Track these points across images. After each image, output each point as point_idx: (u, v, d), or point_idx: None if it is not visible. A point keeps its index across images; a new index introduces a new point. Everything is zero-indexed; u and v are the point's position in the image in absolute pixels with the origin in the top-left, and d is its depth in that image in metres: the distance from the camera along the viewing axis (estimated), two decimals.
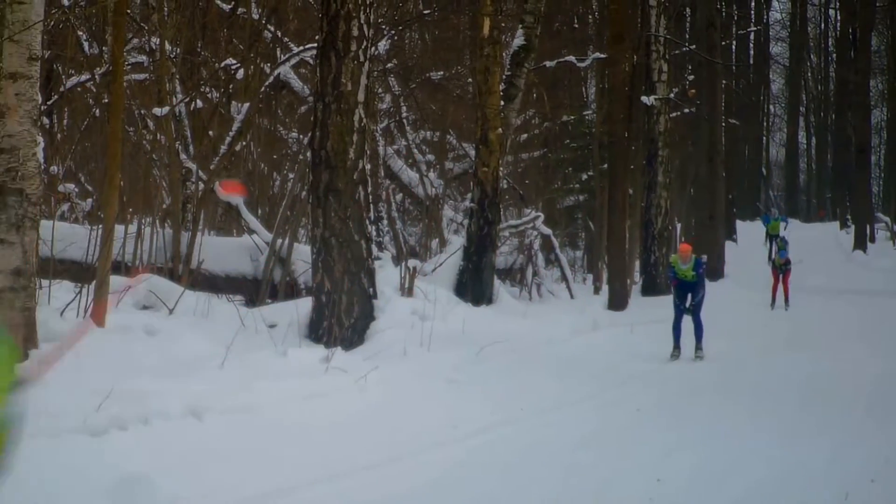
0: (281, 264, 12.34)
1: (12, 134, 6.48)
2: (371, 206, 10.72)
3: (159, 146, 13.11)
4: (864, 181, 36.79)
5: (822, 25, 58.66)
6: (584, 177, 24.67)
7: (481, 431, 7.18)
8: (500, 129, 14.51)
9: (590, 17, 28.10)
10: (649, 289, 19.53)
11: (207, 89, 15.38)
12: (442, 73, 19.53)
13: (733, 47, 42.37)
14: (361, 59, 10.14)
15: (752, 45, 53.11)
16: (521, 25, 16.10)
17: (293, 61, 15.72)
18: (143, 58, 14.90)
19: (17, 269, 6.44)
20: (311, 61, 14.90)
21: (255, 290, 12.28)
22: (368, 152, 10.90)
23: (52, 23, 12.97)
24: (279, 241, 12.39)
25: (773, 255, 19.38)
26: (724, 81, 28.18)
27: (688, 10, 29.92)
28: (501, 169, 15.07)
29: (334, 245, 10.07)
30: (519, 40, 15.89)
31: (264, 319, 9.93)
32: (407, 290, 12.10)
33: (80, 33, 14.52)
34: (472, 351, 9.99)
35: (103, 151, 11.34)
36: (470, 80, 19.13)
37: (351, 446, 6.52)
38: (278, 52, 16.35)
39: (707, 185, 25.06)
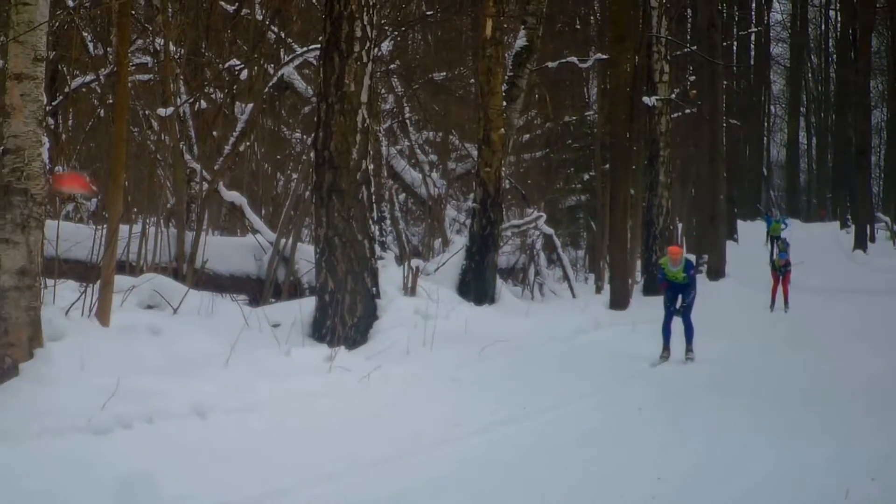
0: (284, 264, 12.38)
1: (17, 134, 6.50)
2: (374, 205, 10.75)
3: (164, 146, 13.15)
4: (865, 181, 36.81)
5: (823, 26, 58.71)
6: (586, 177, 24.70)
7: (484, 430, 7.22)
8: (502, 130, 14.55)
9: (591, 18, 28.14)
10: (651, 288, 19.50)
11: (211, 90, 15.42)
12: (444, 73, 19.59)
13: (734, 48, 42.39)
14: (364, 59, 10.17)
15: (752, 46, 53.04)
16: (523, 26, 16.14)
17: (297, 62, 15.77)
18: (147, 59, 14.93)
19: (22, 269, 6.47)
20: (314, 62, 14.93)
21: (258, 289, 12.32)
22: (371, 152, 10.93)
23: (57, 24, 13.01)
24: (283, 240, 12.43)
25: (774, 257, 19.36)
26: (725, 82, 28.16)
27: (689, 11, 29.94)
28: (504, 169, 15.10)
29: (338, 245, 10.10)
30: (521, 41, 15.93)
31: (268, 319, 9.95)
32: (410, 290, 12.13)
33: (85, 34, 14.56)
34: (474, 350, 10.03)
35: (108, 152, 11.38)
36: (472, 80, 19.18)
37: (354, 445, 6.56)
38: (282, 53, 16.41)
39: (708, 185, 25.03)
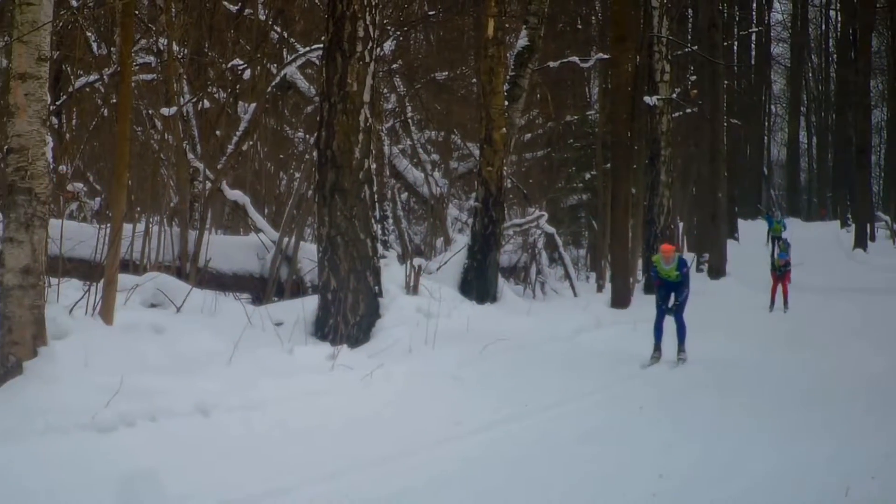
0: (287, 263, 12.41)
1: (21, 134, 6.52)
2: (376, 205, 10.78)
3: (167, 146, 13.18)
4: (865, 180, 36.86)
5: (823, 26, 58.74)
6: (588, 176, 24.72)
7: (486, 428, 7.25)
8: (504, 129, 14.56)
9: (593, 18, 28.16)
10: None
11: (215, 89, 15.45)
12: (446, 73, 19.61)
13: (735, 48, 42.45)
14: (367, 59, 10.20)
15: (753, 45, 53.05)
16: (524, 26, 16.15)
17: (299, 62, 15.80)
18: (150, 58, 14.95)
19: (26, 268, 6.49)
20: (317, 62, 14.97)
21: (261, 288, 12.36)
22: (374, 152, 10.95)
23: (61, 24, 13.05)
24: (286, 239, 12.47)
25: (774, 257, 19.38)
26: (725, 82, 28.15)
27: (690, 11, 29.94)
28: (505, 168, 15.12)
29: (340, 244, 10.13)
30: (523, 41, 15.94)
31: (271, 317, 9.98)
32: (412, 289, 12.16)
33: (89, 34, 14.58)
34: (476, 348, 10.05)
35: (111, 151, 11.41)
36: (474, 80, 19.21)
37: (357, 443, 6.58)
38: (285, 53, 16.44)
39: (709, 184, 25.04)
